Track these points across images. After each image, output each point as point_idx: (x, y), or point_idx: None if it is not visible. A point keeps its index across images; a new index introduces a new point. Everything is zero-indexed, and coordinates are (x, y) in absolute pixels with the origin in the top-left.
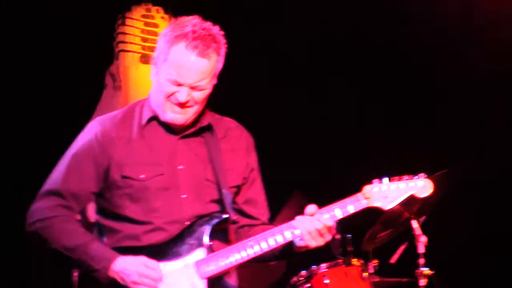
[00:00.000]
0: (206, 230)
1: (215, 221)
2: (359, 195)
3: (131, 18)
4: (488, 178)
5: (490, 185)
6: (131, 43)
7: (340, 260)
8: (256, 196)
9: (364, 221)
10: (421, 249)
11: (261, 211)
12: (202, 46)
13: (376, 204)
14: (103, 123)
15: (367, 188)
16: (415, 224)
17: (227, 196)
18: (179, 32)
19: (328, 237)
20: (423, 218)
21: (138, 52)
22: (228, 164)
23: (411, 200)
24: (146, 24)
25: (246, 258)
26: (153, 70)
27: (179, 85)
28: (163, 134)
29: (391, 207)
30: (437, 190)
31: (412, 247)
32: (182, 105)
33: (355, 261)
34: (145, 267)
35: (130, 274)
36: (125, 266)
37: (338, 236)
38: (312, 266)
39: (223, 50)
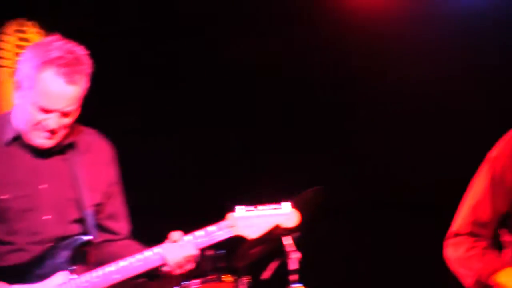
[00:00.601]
0: (68, 253)
1: (77, 243)
2: (222, 223)
3: (4, 33)
4: (361, 197)
5: (364, 204)
6: (5, 58)
7: (212, 276)
8: (117, 211)
9: (237, 236)
10: (293, 265)
11: (122, 225)
12: (71, 72)
13: (240, 233)
14: None
15: (231, 216)
16: (286, 240)
17: (90, 215)
18: (45, 58)
19: (192, 265)
20: (297, 234)
21: (12, 67)
22: (90, 180)
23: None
24: (20, 39)
25: (109, 283)
26: (17, 94)
27: (48, 112)
28: (26, 153)
29: (255, 236)
30: (310, 207)
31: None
32: (52, 131)
33: (227, 277)
34: None
35: None
36: None
37: (210, 252)
38: (183, 283)
39: (89, 70)
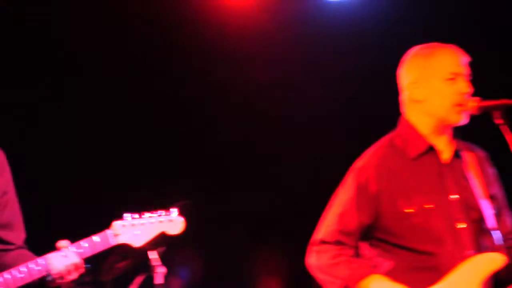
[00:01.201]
0: None
1: None
2: (108, 231)
3: None
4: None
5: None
6: None
7: None
8: (11, 220)
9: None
10: (159, 280)
11: (17, 234)
12: None
13: (125, 241)
14: None
15: (116, 224)
16: (152, 254)
17: None
18: None
19: (76, 275)
20: (162, 249)
21: None
22: None
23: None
24: None
25: None
26: None
27: None
28: None
29: (140, 245)
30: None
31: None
32: None
33: None
34: None
35: None
36: None
37: None
38: None
39: None
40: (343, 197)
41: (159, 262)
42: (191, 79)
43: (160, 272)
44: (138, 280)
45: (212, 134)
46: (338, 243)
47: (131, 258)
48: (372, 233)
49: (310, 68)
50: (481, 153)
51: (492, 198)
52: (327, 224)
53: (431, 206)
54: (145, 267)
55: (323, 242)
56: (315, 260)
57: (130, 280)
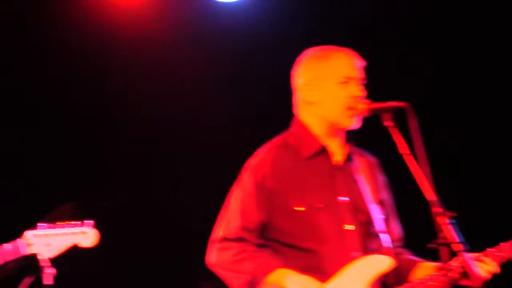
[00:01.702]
0: None
1: None
2: (19, 240)
3: None
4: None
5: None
6: None
7: None
8: None
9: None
10: (48, 281)
11: None
12: None
13: (36, 251)
14: None
15: (29, 234)
16: (41, 256)
17: None
18: None
19: None
20: None
21: None
22: None
23: None
24: None
25: None
26: None
27: None
28: None
29: (51, 256)
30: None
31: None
32: None
33: None
34: None
35: None
36: None
37: None
38: None
39: None
40: (241, 194)
41: (48, 263)
42: (81, 81)
43: (49, 273)
44: (27, 281)
45: (97, 136)
46: (240, 239)
47: (20, 259)
48: (264, 232)
49: (201, 70)
50: (373, 159)
51: (381, 203)
52: (228, 221)
53: (321, 206)
54: (34, 268)
55: (225, 239)
56: (218, 257)
57: (19, 281)
